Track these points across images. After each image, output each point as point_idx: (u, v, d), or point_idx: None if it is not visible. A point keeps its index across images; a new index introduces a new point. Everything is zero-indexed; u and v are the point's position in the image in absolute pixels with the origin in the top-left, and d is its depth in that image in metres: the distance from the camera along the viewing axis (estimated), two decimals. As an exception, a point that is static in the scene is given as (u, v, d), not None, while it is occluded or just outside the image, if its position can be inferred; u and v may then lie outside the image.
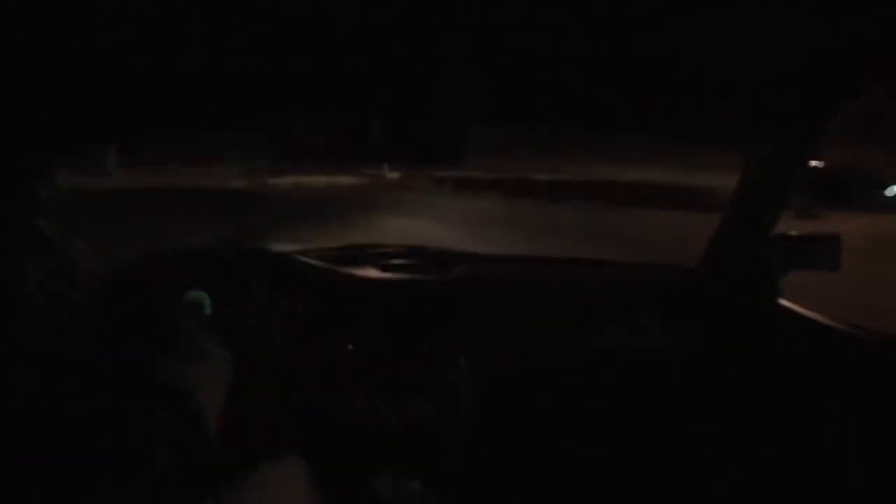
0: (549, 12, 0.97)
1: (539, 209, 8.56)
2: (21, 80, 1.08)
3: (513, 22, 1.02)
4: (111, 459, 1.04)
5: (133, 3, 0.88)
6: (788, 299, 1.38)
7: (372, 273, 1.52)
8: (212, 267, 1.32)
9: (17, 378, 1.00)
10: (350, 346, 1.39)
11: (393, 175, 10.92)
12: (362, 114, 1.29)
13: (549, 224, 7.35)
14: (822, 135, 1.19)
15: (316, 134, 1.27)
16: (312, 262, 1.49)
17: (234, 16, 0.96)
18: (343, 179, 10.39)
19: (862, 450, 1.10)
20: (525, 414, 1.49)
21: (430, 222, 7.38)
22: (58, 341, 1.10)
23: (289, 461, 1.18)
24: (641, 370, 1.48)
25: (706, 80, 1.20)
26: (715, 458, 1.40)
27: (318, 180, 10.20)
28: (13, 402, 0.98)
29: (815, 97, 1.15)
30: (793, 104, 1.20)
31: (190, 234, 5.92)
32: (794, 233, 1.38)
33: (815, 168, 1.43)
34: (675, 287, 1.57)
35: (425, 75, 1.25)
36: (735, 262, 1.44)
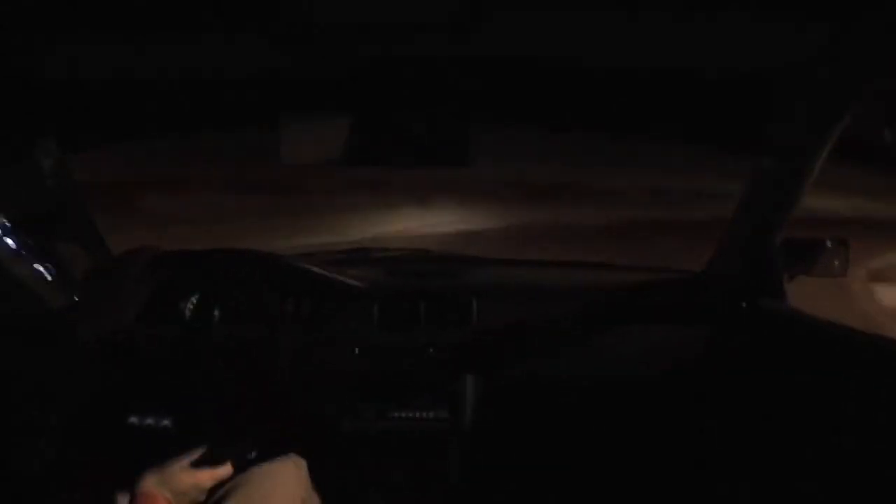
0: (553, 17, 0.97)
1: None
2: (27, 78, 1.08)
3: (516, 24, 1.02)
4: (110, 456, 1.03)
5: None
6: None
7: (378, 277, 1.51)
8: (218, 269, 1.32)
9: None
10: (356, 350, 1.38)
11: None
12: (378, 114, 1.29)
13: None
14: (831, 137, 1.18)
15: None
16: (318, 264, 1.49)
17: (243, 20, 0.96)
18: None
19: (865, 452, 1.09)
20: (530, 417, 1.48)
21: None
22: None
23: (288, 458, 1.18)
24: (646, 376, 1.47)
25: (714, 82, 1.20)
26: (719, 460, 1.40)
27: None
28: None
29: (825, 98, 1.14)
30: (802, 105, 1.20)
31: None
32: (801, 237, 1.37)
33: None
34: (680, 292, 1.56)
35: (428, 76, 1.25)
36: (741, 268, 1.43)
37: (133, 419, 1.10)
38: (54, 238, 1.26)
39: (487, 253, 1.77)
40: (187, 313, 1.26)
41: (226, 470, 0.99)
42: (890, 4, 0.89)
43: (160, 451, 0.96)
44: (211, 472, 0.97)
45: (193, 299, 1.26)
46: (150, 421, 1.11)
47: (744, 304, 1.42)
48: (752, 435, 1.33)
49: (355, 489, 1.44)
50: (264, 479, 1.08)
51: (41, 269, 1.20)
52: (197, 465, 0.96)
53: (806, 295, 1.40)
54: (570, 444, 1.50)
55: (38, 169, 1.22)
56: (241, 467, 1.02)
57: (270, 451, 1.09)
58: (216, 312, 1.27)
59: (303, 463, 1.20)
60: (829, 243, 1.36)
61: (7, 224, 1.17)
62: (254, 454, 1.04)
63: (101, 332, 1.19)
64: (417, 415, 1.40)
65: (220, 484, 1.01)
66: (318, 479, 1.22)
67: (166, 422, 1.10)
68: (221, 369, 1.16)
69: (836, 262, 1.36)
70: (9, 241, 1.15)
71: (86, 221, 1.37)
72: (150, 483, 0.91)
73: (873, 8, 0.91)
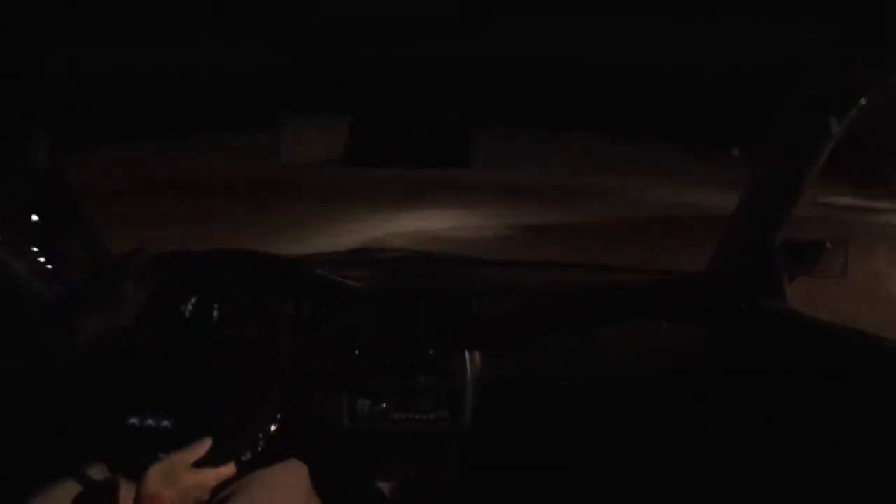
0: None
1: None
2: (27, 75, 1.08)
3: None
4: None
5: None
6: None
7: (378, 277, 1.51)
8: (218, 269, 1.32)
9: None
10: (356, 351, 1.38)
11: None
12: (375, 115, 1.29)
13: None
14: (831, 137, 1.18)
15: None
16: (318, 265, 1.49)
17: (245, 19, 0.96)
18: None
19: (865, 453, 1.09)
20: (530, 417, 1.48)
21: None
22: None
23: (290, 463, 1.18)
24: (646, 376, 1.47)
25: (713, 82, 1.20)
26: (719, 460, 1.40)
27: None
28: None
29: (825, 98, 1.14)
30: (802, 105, 1.20)
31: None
32: (801, 238, 1.37)
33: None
34: (680, 292, 1.56)
35: (428, 76, 1.25)
36: (741, 268, 1.43)
37: (133, 419, 1.10)
38: (53, 238, 1.26)
39: (486, 254, 1.77)
40: (187, 313, 1.26)
41: (229, 470, 0.99)
42: (890, 4, 0.89)
43: (160, 451, 0.96)
44: (215, 471, 0.97)
45: (193, 299, 1.26)
46: (150, 421, 1.10)
47: (744, 305, 1.42)
48: (752, 435, 1.33)
49: (356, 490, 1.44)
50: (266, 483, 1.08)
51: (40, 269, 1.20)
52: (200, 464, 0.96)
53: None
54: (570, 444, 1.50)
55: (35, 169, 1.22)
56: (241, 470, 1.02)
57: (270, 452, 1.09)
58: (216, 312, 1.27)
59: (304, 467, 1.20)
60: (829, 244, 1.36)
61: (6, 225, 1.17)
62: (252, 456, 1.04)
63: (100, 332, 1.19)
64: (417, 415, 1.40)
65: (222, 487, 1.01)
66: (319, 480, 1.22)
67: (166, 422, 1.09)
68: (221, 369, 1.16)
69: (836, 263, 1.36)
70: (7, 241, 1.15)
71: (84, 221, 1.37)
72: (154, 483, 0.90)
73: (874, 8, 0.91)
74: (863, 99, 1.10)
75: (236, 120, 1.47)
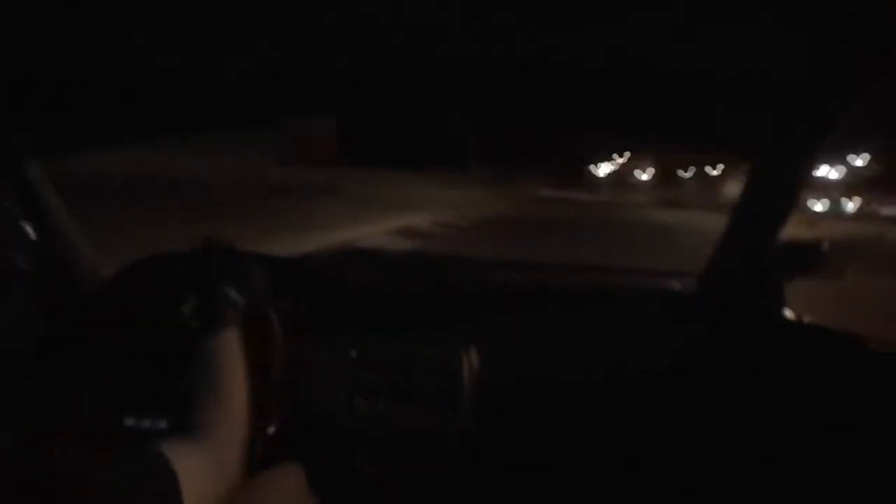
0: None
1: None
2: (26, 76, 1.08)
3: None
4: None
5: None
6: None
7: (377, 276, 1.52)
8: (216, 268, 1.32)
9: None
10: (355, 350, 1.38)
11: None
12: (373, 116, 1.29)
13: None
14: (828, 138, 1.18)
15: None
16: (318, 265, 1.49)
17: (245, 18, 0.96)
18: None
19: (864, 454, 1.09)
20: (530, 417, 1.48)
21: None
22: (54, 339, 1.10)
23: (287, 467, 1.17)
24: (646, 376, 1.47)
25: (710, 84, 1.20)
26: (718, 461, 1.40)
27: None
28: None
29: (821, 100, 1.15)
30: (799, 108, 1.20)
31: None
32: (799, 240, 1.37)
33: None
34: (679, 294, 1.56)
35: (430, 78, 1.25)
36: (740, 270, 1.44)
37: (129, 420, 1.10)
38: (44, 241, 1.26)
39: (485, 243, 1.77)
40: (184, 313, 1.26)
41: None
42: (888, 6, 0.89)
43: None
44: None
45: (190, 299, 1.26)
46: (146, 422, 1.10)
47: (743, 305, 1.42)
48: (752, 436, 1.34)
49: (354, 490, 1.44)
50: (262, 487, 1.08)
51: (35, 271, 1.20)
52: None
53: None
54: (569, 444, 1.50)
55: (24, 175, 1.22)
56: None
57: (269, 453, 1.09)
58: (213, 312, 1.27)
59: (301, 471, 1.20)
60: (827, 245, 1.36)
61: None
62: (249, 459, 1.03)
63: (99, 333, 1.19)
64: (417, 415, 1.40)
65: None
66: (317, 480, 1.22)
67: (162, 422, 1.10)
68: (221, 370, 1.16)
69: (835, 264, 1.36)
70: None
71: (72, 229, 1.37)
72: None
73: (871, 10, 0.91)
74: (861, 98, 1.10)
75: (236, 120, 1.47)
